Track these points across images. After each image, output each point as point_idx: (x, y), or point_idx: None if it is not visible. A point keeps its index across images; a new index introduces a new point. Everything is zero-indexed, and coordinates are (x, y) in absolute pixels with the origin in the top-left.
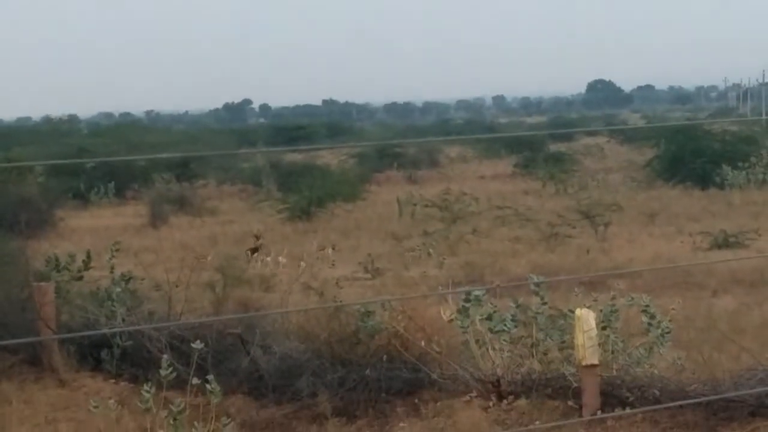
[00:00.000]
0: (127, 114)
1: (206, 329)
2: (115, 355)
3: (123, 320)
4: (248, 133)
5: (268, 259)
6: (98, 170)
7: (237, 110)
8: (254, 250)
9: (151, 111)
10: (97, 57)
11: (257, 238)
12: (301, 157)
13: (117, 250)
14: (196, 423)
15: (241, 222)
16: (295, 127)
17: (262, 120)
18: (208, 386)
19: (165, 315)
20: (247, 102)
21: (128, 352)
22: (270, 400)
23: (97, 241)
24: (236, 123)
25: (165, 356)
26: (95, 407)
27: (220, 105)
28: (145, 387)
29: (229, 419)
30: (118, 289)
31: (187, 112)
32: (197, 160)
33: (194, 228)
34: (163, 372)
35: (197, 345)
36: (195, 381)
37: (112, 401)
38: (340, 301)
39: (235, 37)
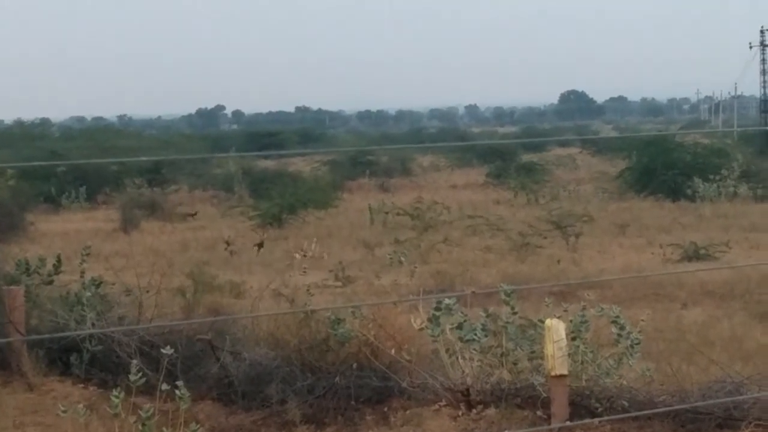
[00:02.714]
0: (100, 118)
1: (176, 335)
2: (85, 360)
3: (93, 325)
4: (221, 139)
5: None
6: (70, 174)
7: (210, 116)
8: (260, 245)
9: (124, 115)
10: (71, 61)
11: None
12: (274, 164)
13: (87, 255)
14: (164, 429)
15: (212, 228)
16: (267, 134)
17: (234, 126)
18: (177, 392)
19: (135, 320)
20: (220, 108)
21: (98, 357)
22: (239, 406)
23: (68, 245)
24: (209, 129)
25: (134, 361)
26: (64, 412)
27: (193, 110)
28: (114, 392)
29: (198, 425)
30: (89, 294)
31: (159, 116)
32: (169, 166)
33: (165, 233)
34: (132, 377)
35: (167, 350)
36: (164, 386)
37: (80, 406)
38: (311, 308)
39: (210, 42)
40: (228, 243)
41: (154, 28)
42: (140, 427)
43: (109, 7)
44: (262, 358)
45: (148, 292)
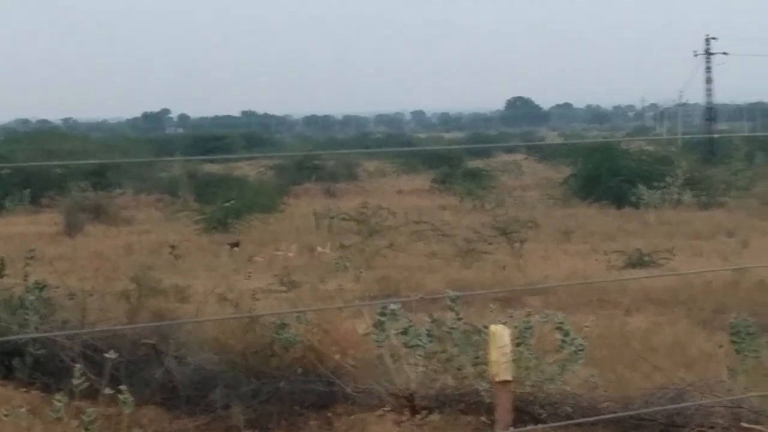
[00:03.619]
0: (45, 121)
1: (120, 339)
2: (27, 364)
3: (36, 328)
4: (166, 143)
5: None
6: (13, 177)
7: (155, 119)
8: (234, 244)
9: (69, 118)
10: (15, 63)
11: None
12: (219, 168)
13: (31, 258)
14: None
15: (157, 232)
16: (213, 138)
17: (180, 130)
18: (120, 396)
19: (79, 324)
20: (165, 111)
21: (41, 361)
22: (183, 411)
23: (11, 248)
24: (154, 132)
25: (78, 365)
26: (6, 416)
27: (138, 114)
28: (57, 396)
29: (142, 430)
30: (32, 297)
31: (105, 120)
32: (114, 169)
33: (110, 237)
34: (75, 381)
35: (110, 355)
36: (107, 391)
37: (23, 410)
38: (256, 312)
39: (155, 46)
40: (173, 247)
41: (100, 31)
42: (83, 431)
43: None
44: (206, 363)
45: (92, 295)
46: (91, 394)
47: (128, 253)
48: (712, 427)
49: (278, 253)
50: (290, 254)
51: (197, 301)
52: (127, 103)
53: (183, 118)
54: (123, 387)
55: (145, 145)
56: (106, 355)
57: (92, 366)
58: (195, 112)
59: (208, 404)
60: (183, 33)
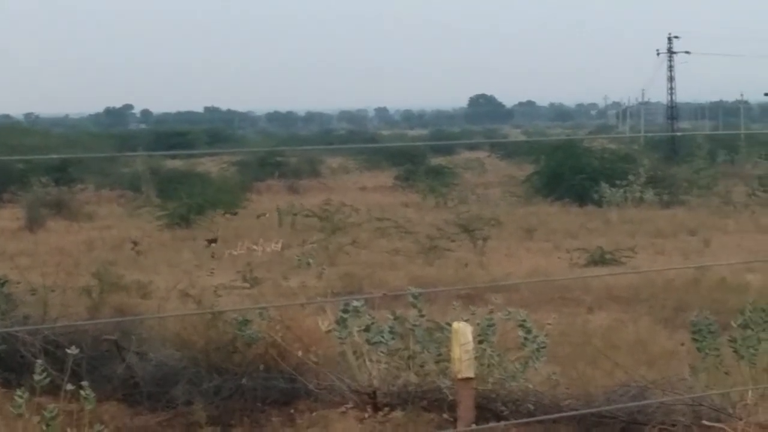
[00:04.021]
0: (6, 116)
1: (82, 335)
2: None
3: None
4: (129, 138)
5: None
6: None
7: (118, 115)
8: (212, 240)
9: (31, 114)
10: None
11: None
12: (181, 164)
13: None
14: (69, 429)
15: (119, 227)
16: (176, 133)
17: (143, 125)
18: (82, 392)
19: (40, 319)
20: (128, 107)
21: (1, 357)
22: (144, 407)
23: None
24: (117, 128)
25: (39, 361)
26: None
27: (101, 109)
28: (18, 392)
29: (103, 426)
30: None
31: (67, 115)
32: (76, 164)
33: (71, 233)
34: (36, 377)
35: (72, 350)
36: (69, 387)
37: None
38: (218, 308)
39: (118, 41)
40: (135, 243)
41: (62, 25)
42: (44, 427)
43: (13, 3)
44: (168, 359)
45: (53, 291)
46: (53, 390)
47: (90, 249)
48: (673, 425)
49: (255, 247)
50: (275, 247)
51: (159, 297)
52: (89, 99)
53: (145, 113)
54: (84, 383)
55: (107, 140)
56: (68, 350)
57: (54, 362)
58: (157, 107)
59: (169, 400)
60: (145, 29)
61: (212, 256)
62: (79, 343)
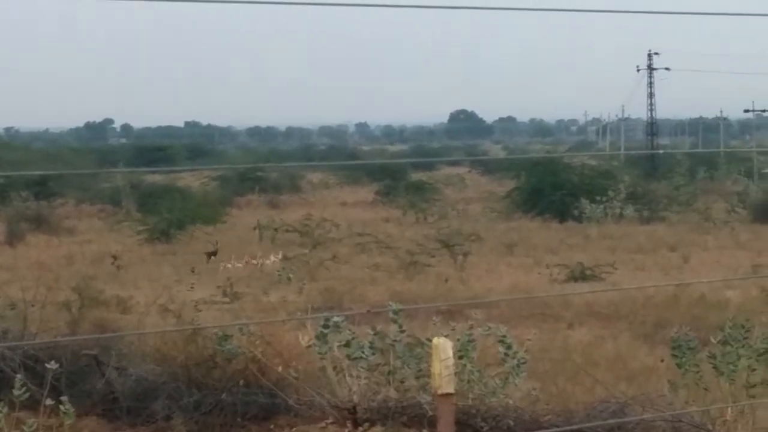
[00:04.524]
0: None
1: (61, 350)
2: None
3: None
4: (109, 153)
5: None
6: None
7: (98, 129)
8: (212, 253)
9: (11, 128)
10: None
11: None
12: (162, 179)
13: None
14: None
15: (99, 242)
16: (156, 148)
17: (123, 140)
18: (61, 407)
19: (19, 334)
20: (108, 121)
21: None
22: (124, 422)
23: None
24: (97, 142)
25: (18, 376)
26: None
27: (81, 123)
28: None
29: None
30: None
31: (47, 129)
32: (56, 179)
33: (51, 247)
34: (16, 392)
35: (51, 365)
36: (48, 402)
37: None
38: (198, 324)
39: (98, 55)
40: (115, 257)
41: (42, 39)
42: None
43: None
44: (148, 374)
45: (33, 306)
46: (32, 405)
47: (70, 264)
48: None
49: (254, 261)
50: (274, 259)
51: (139, 312)
52: (69, 113)
53: (126, 128)
54: (64, 398)
55: (87, 155)
56: (48, 365)
57: (33, 377)
58: (138, 122)
59: (149, 415)
60: (125, 43)
61: (192, 271)
62: (59, 358)
